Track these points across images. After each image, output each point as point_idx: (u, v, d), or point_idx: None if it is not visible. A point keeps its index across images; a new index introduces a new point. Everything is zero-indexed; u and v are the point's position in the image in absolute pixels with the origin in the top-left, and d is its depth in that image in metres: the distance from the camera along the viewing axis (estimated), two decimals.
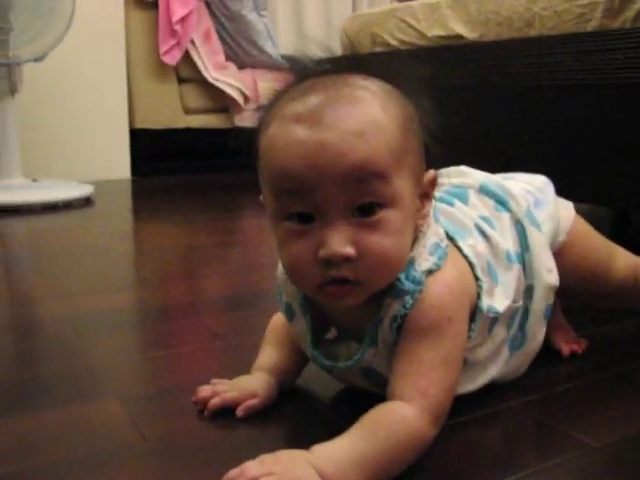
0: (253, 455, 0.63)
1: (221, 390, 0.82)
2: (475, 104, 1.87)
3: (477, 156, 1.10)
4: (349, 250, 0.64)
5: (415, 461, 0.67)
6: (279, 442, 0.77)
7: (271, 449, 0.64)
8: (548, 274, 0.86)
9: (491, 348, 0.82)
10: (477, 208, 0.87)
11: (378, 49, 2.27)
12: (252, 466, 0.61)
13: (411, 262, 0.72)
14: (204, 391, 0.83)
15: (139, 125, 3.29)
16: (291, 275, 0.71)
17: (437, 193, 0.78)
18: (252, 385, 0.83)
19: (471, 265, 0.78)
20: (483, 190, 0.89)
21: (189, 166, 3.61)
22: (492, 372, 0.83)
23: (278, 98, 0.71)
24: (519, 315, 0.86)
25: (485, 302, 0.77)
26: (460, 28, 1.92)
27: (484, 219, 0.85)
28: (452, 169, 0.93)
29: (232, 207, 2.61)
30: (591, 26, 1.57)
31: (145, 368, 0.99)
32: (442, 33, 1.99)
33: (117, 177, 3.29)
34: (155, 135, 3.35)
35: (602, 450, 0.73)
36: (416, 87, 0.72)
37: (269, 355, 0.88)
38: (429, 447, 0.68)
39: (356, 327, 0.76)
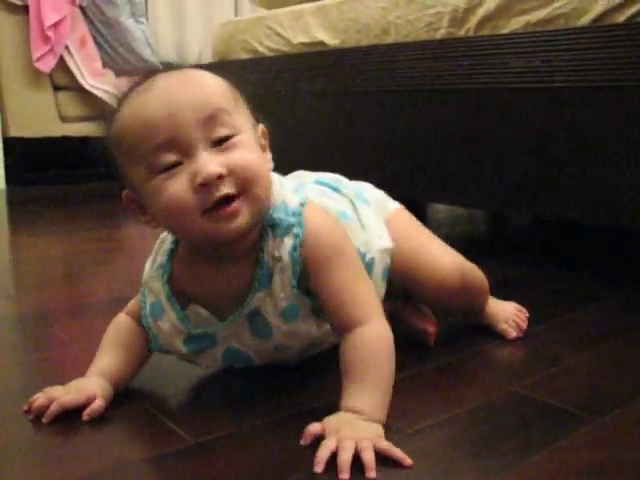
0: (95, 455, 0.70)
1: (57, 395, 0.82)
2: (335, 108, 1.93)
3: (338, 155, 1.15)
4: (220, 169, 0.73)
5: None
6: (120, 444, 0.78)
7: (112, 449, 0.73)
8: (379, 240, 0.98)
9: None
10: (316, 190, 0.98)
11: (247, 56, 2.30)
12: None
13: (282, 203, 0.82)
14: (38, 400, 0.82)
15: (13, 134, 3.20)
16: (173, 216, 0.76)
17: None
18: (88, 386, 0.83)
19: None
20: (317, 182, 1.02)
21: (67, 175, 3.54)
22: None
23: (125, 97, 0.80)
24: None
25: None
26: (322, 35, 1.98)
27: (322, 193, 0.98)
28: (290, 175, 1.03)
29: (110, 216, 2.58)
30: (440, 34, 1.65)
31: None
32: (306, 40, 2.04)
33: None
34: (31, 144, 3.27)
35: (416, 435, 0.77)
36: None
37: (103, 360, 0.89)
38: None
39: (231, 288, 0.83)
